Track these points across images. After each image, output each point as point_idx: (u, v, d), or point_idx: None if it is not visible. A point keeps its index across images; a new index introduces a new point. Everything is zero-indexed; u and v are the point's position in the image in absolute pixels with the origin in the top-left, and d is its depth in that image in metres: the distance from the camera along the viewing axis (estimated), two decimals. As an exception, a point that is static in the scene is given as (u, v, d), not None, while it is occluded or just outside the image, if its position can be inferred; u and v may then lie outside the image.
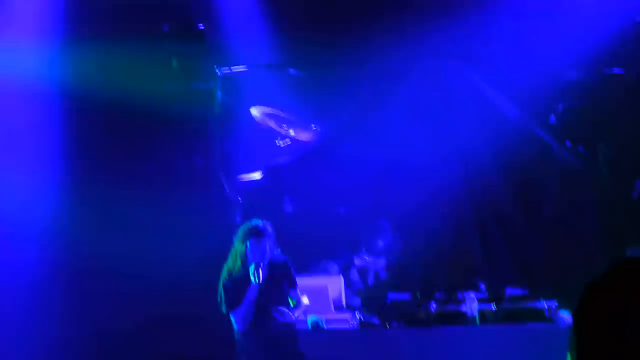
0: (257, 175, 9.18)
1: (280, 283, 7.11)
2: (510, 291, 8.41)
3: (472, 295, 8.26)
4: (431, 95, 9.36)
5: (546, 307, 8.04)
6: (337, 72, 9.19)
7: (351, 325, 8.27)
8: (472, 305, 8.23)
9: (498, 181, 9.27)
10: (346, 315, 8.33)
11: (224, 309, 7.04)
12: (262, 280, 6.92)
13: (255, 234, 6.93)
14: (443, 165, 9.26)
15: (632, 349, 1.91)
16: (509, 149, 9.23)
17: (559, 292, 8.06)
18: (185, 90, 9.06)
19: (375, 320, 8.34)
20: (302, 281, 8.59)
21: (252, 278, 6.89)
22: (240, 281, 6.97)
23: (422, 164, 9.17)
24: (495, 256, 9.29)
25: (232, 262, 7.05)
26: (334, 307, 8.34)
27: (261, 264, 6.92)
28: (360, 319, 8.33)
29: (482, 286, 8.63)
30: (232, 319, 7.04)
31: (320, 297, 8.24)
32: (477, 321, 8.18)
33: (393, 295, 8.58)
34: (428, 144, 9.28)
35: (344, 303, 8.52)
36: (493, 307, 8.29)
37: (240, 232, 7.02)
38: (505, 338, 7.90)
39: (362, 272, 9.22)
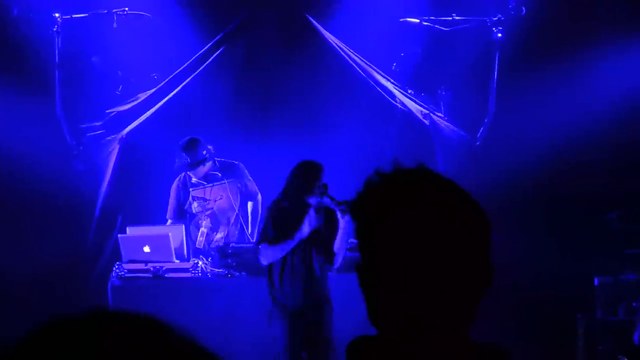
0: (97, 123, 8.97)
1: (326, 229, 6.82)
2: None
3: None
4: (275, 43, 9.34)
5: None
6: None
7: (193, 274, 8.17)
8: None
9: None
10: (187, 264, 8.22)
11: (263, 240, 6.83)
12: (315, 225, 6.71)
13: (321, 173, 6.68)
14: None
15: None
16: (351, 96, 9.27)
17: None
18: (25, 38, 8.79)
19: (220, 269, 8.24)
20: (144, 230, 8.49)
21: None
22: (291, 216, 6.72)
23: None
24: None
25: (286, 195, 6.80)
26: (176, 255, 8.22)
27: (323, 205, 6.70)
28: (203, 267, 8.24)
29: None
30: (262, 251, 6.84)
31: (162, 245, 8.11)
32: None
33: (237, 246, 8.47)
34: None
35: (185, 252, 8.41)
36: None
37: (307, 167, 6.75)
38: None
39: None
